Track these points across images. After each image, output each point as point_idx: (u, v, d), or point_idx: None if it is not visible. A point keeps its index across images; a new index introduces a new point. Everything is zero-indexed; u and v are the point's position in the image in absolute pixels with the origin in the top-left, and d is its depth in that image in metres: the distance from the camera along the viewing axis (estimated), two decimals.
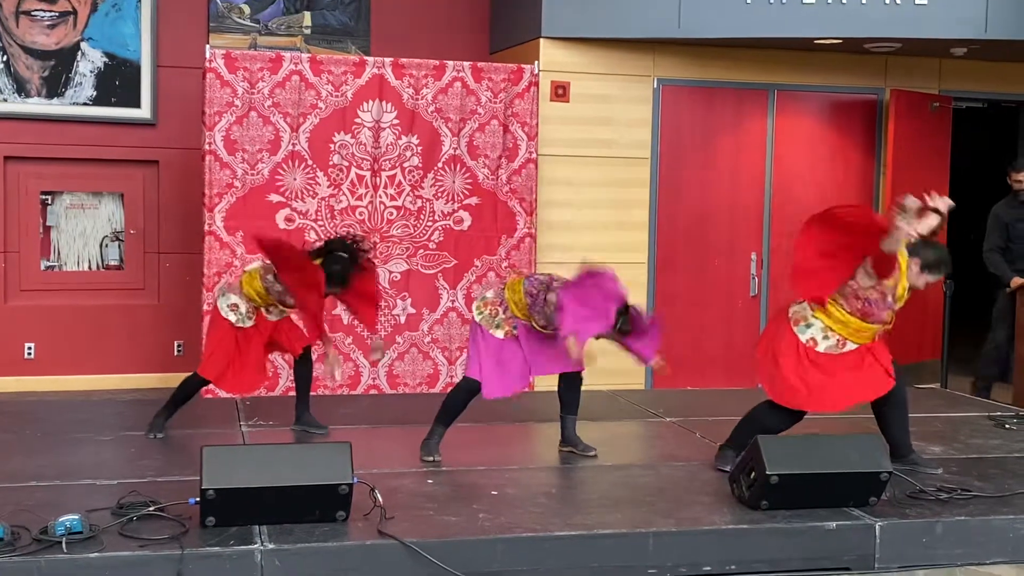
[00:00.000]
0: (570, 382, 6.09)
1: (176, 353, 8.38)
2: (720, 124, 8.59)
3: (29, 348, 8.19)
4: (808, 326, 5.52)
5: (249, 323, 6.19)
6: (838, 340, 5.49)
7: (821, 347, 5.49)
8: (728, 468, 5.43)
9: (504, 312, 5.85)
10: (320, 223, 7.79)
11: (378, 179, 7.86)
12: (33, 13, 8.08)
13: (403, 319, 7.97)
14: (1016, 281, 8.28)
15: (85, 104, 8.20)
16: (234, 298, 6.20)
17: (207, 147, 7.56)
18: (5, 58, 8.04)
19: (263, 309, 6.24)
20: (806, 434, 5.64)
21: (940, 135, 9.01)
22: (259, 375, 6.34)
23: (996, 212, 8.58)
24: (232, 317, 6.17)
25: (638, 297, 8.40)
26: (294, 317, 6.43)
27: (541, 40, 8.13)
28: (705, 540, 4.73)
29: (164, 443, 6.17)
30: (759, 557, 4.75)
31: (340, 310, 7.80)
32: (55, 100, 8.15)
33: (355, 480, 4.61)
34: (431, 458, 5.81)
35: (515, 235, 8.09)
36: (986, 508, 5.12)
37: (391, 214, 7.91)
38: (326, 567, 4.38)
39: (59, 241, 8.38)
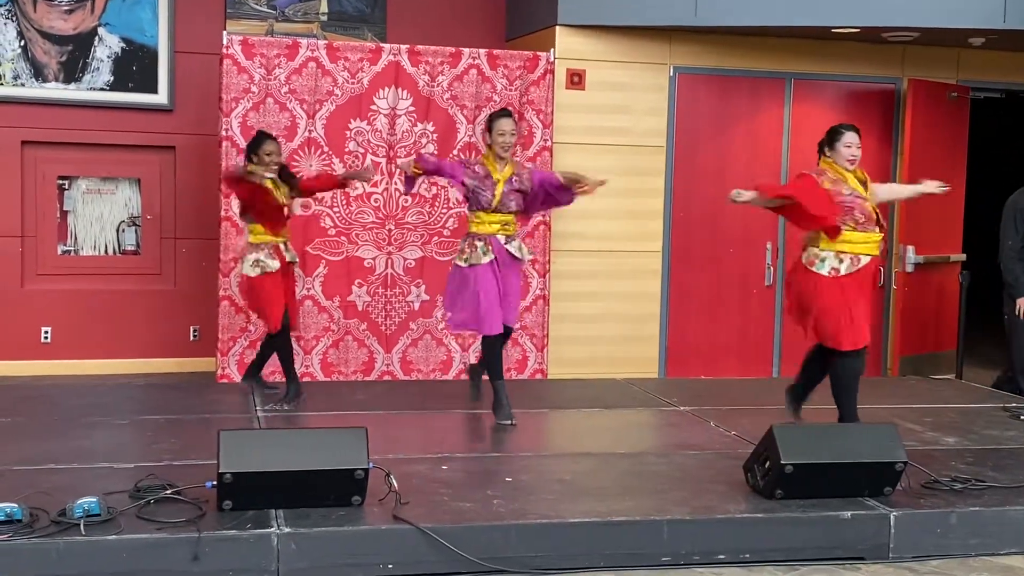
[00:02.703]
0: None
1: (192, 338, 8.41)
2: (736, 113, 8.57)
3: (46, 332, 8.23)
4: (823, 260, 5.95)
5: (275, 265, 6.58)
6: (851, 259, 5.93)
7: (843, 271, 5.92)
8: None
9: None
10: (336, 210, 7.80)
11: (393, 166, 7.86)
12: None
13: (417, 306, 7.98)
14: None
15: (102, 89, 8.22)
16: (252, 255, 6.57)
17: (224, 133, 7.57)
18: (23, 43, 8.07)
19: (281, 245, 6.65)
20: (821, 424, 5.63)
21: (957, 125, 8.97)
22: (290, 306, 6.77)
23: (1019, 205, 7.64)
24: (256, 271, 6.56)
25: (652, 286, 8.43)
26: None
27: (557, 27, 8.11)
28: (719, 529, 4.74)
29: (180, 427, 6.21)
30: (773, 546, 4.76)
31: (357, 298, 7.82)
32: (72, 85, 8.17)
33: (371, 465, 4.63)
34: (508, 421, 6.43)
35: (529, 223, 8.06)
36: (1001, 499, 5.12)
37: (406, 201, 7.91)
38: (342, 551, 4.40)
39: (76, 226, 8.41)
